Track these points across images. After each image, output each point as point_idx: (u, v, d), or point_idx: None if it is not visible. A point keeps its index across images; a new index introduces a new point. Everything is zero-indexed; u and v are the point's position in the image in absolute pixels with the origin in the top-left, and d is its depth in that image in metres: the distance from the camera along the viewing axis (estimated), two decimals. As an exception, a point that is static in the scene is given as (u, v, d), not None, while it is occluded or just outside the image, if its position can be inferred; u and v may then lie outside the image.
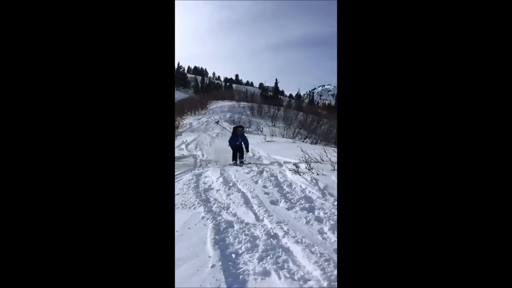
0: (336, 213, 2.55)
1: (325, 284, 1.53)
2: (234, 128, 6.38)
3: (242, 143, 5.95)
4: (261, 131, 11.10)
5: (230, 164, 5.62)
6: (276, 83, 43.97)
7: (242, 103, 17.51)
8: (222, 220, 2.49)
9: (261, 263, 1.76)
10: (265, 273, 1.66)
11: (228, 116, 13.11)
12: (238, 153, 5.85)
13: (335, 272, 1.62)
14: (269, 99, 25.67)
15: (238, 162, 5.75)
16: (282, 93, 48.30)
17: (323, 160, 4.58)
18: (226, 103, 17.72)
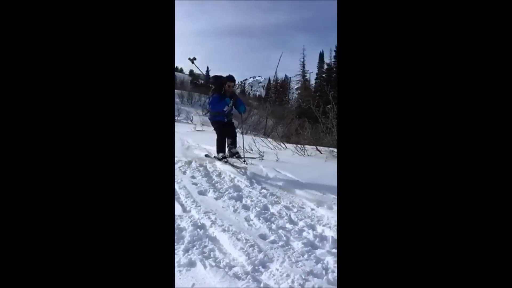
0: (262, 201, 2.68)
1: (249, 268, 1.59)
2: (218, 80, 3.56)
3: (239, 110, 3.66)
4: (191, 120, 10.80)
5: (215, 157, 3.74)
6: (208, 71, 43.07)
7: (171, 90, 16.58)
8: (146, 214, 2.35)
9: (186, 254, 1.74)
10: (190, 264, 1.64)
11: (155, 103, 12.27)
12: (227, 138, 3.69)
13: (259, 256, 1.70)
14: (200, 87, 24.99)
15: (227, 155, 3.63)
16: (213, 82, 47.48)
17: (252, 150, 4.71)
18: (153, 89, 16.50)
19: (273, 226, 2.16)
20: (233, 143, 3.64)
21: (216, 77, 3.71)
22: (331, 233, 2.06)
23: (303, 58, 25.76)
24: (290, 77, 26.57)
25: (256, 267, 1.61)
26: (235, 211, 2.46)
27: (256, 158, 3.75)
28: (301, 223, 2.23)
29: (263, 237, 2.00)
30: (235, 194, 2.83)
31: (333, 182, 3.29)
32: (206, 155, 4.11)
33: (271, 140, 6.01)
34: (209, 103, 3.66)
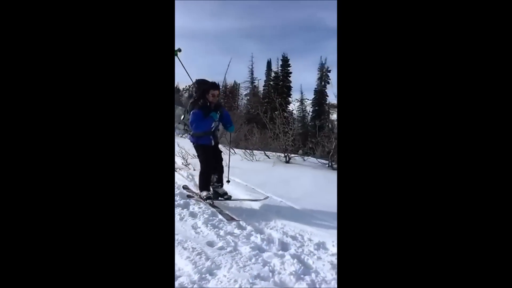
0: (210, 208, 2.64)
1: (196, 277, 1.55)
2: (201, 88, 2.71)
3: (227, 129, 2.92)
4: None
5: (198, 195, 2.81)
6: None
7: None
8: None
9: (127, 268, 1.62)
10: (132, 279, 1.54)
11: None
12: (214, 171, 2.78)
13: (206, 264, 1.67)
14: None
15: (211, 194, 2.71)
16: (160, 85, 45.67)
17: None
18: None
19: (221, 232, 2.15)
20: (220, 180, 2.78)
21: (201, 82, 2.77)
22: (278, 235, 2.12)
23: (252, 65, 26.32)
24: (239, 83, 26.84)
25: (203, 275, 1.58)
26: (181, 219, 2.39)
27: (258, 200, 2.73)
28: (249, 228, 2.25)
29: (210, 244, 1.97)
30: (181, 201, 2.74)
31: (280, 185, 3.41)
32: (184, 187, 3.14)
33: (221, 145, 5.98)
34: (191, 122, 2.63)
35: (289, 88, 24.48)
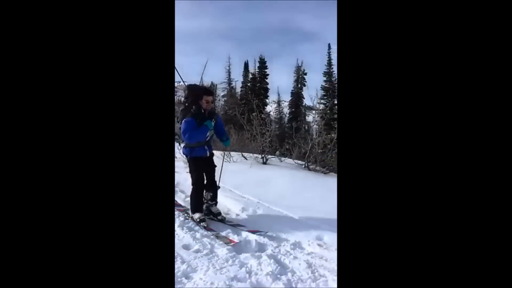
0: (188, 209, 2.59)
1: (171, 282, 1.52)
2: (192, 92, 2.46)
3: (223, 142, 2.67)
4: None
5: (190, 218, 2.42)
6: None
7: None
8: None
9: (98, 275, 1.55)
10: (103, 286, 1.48)
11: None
12: (206, 191, 2.51)
13: (182, 268, 1.64)
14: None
15: (204, 216, 2.38)
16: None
17: (176, 157, 4.54)
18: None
19: (197, 235, 2.12)
20: (214, 198, 2.53)
21: (193, 87, 2.58)
22: (255, 236, 2.13)
23: (229, 66, 26.24)
24: (216, 84, 26.62)
25: (179, 279, 1.55)
26: (156, 222, 2.32)
27: (260, 233, 2.19)
28: (226, 230, 2.23)
29: (186, 247, 1.94)
30: (156, 204, 2.67)
31: (257, 187, 3.43)
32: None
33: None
34: (183, 131, 2.32)
35: (266, 89, 24.63)
